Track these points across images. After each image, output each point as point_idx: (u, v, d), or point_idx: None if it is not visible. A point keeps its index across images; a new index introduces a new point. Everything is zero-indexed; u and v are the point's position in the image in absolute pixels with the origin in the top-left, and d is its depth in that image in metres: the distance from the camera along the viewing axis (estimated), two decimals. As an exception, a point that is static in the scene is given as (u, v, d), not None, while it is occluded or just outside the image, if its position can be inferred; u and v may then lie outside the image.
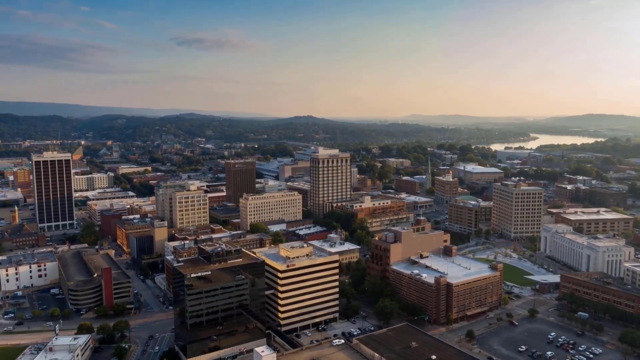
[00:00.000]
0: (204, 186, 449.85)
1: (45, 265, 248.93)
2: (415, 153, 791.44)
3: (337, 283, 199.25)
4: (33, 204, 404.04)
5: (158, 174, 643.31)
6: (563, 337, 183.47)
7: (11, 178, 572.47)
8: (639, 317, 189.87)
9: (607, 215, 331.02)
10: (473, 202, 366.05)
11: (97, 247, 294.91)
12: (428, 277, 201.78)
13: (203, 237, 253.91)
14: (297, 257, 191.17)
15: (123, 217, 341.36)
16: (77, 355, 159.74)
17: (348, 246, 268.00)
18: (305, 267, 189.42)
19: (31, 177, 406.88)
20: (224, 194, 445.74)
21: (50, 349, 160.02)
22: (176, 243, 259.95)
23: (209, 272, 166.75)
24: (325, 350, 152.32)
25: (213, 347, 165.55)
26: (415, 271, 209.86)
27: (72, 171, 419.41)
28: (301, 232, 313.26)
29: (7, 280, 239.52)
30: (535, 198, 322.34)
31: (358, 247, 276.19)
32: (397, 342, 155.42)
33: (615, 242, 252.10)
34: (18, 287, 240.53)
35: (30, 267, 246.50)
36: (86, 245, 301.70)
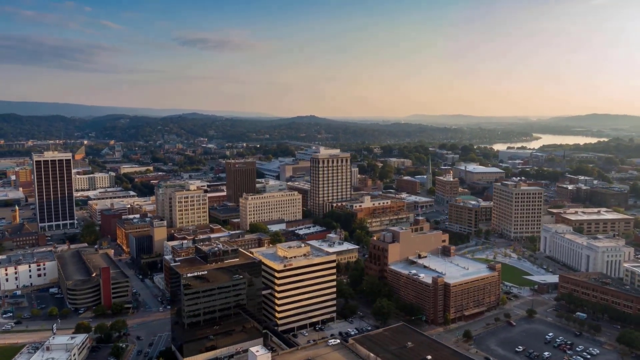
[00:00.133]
0: (204, 186, 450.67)
1: (44, 265, 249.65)
2: (417, 153, 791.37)
3: (334, 283, 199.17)
4: (34, 204, 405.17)
5: (159, 173, 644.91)
6: (561, 337, 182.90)
7: (13, 178, 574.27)
8: (637, 317, 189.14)
9: (607, 215, 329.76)
10: (473, 202, 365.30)
11: (96, 246, 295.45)
12: (426, 277, 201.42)
13: (201, 236, 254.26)
14: (295, 257, 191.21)
15: (123, 216, 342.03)
16: (74, 355, 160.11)
17: (347, 246, 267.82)
18: (303, 267, 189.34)
19: (32, 177, 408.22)
20: (224, 193, 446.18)
21: (48, 348, 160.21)
22: (175, 243, 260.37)
23: (206, 272, 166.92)
24: (321, 350, 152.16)
25: (209, 346, 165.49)
26: (413, 271, 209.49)
27: (74, 171, 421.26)
28: (301, 232, 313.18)
29: (7, 280, 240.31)
30: (535, 198, 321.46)
31: (357, 247, 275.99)
32: (393, 342, 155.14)
33: (615, 242, 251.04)
34: (17, 286, 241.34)
35: (29, 267, 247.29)
36: (86, 244, 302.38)
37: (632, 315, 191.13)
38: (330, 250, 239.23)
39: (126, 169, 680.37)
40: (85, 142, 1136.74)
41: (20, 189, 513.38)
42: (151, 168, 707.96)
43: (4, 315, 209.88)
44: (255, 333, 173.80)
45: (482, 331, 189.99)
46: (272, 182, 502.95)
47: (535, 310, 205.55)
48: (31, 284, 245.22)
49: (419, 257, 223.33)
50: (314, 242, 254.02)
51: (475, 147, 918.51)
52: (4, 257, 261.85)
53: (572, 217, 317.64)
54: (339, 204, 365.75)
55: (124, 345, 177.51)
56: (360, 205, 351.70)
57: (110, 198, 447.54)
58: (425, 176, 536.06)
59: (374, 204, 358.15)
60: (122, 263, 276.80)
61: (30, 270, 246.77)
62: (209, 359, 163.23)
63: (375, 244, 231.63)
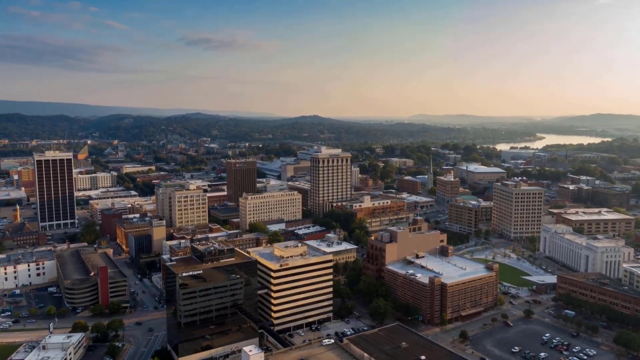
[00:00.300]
0: (205, 185, 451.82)
1: (43, 264, 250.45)
2: (419, 153, 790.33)
3: (331, 283, 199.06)
4: (35, 203, 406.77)
5: (161, 173, 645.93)
6: (558, 338, 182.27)
7: (15, 177, 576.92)
8: (635, 318, 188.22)
9: (608, 215, 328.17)
10: (473, 202, 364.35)
11: (95, 246, 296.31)
12: (422, 277, 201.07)
13: (200, 236, 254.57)
14: (291, 256, 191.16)
15: (123, 216, 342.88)
16: (70, 354, 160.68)
17: (345, 246, 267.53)
18: (299, 266, 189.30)
19: (34, 176, 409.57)
20: (225, 193, 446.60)
21: (44, 347, 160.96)
22: (174, 242, 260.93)
23: (201, 271, 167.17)
24: (315, 350, 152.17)
25: (205, 346, 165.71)
26: (410, 271, 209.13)
27: (76, 170, 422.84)
28: (300, 232, 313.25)
29: (6, 279, 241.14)
30: (535, 198, 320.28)
31: (355, 246, 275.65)
32: (388, 342, 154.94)
33: (615, 242, 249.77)
34: (16, 285, 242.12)
35: (28, 266, 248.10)
36: (85, 244, 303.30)
37: (629, 315, 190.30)
38: (328, 250, 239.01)
39: (128, 168, 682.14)
40: (89, 142, 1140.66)
41: (23, 188, 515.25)
42: (153, 168, 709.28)
43: (2, 314, 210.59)
44: (251, 333, 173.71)
45: (479, 331, 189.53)
46: (273, 182, 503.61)
47: (533, 311, 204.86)
48: (30, 283, 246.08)
49: (417, 257, 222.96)
50: (312, 242, 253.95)
51: (478, 147, 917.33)
52: (3, 256, 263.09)
53: (573, 218, 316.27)
54: (339, 204, 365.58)
55: (120, 345, 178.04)
56: (360, 205, 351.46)
57: (112, 198, 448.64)
58: (426, 176, 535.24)
59: (373, 204, 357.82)
60: (121, 262, 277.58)
61: (29, 270, 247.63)
62: (204, 359, 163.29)
63: (372, 244, 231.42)
